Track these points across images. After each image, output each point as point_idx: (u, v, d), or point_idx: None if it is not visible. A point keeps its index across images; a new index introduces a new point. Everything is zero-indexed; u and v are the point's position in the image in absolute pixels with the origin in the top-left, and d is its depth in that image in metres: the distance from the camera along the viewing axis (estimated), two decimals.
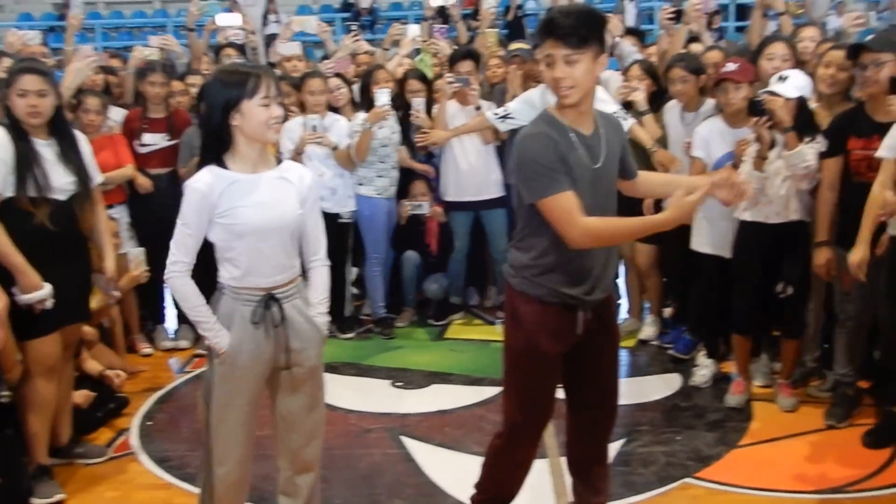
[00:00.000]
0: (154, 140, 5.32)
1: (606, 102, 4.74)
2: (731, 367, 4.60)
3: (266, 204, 2.75)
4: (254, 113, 2.69)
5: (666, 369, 4.94)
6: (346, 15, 16.74)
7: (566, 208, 2.62)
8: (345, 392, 4.71)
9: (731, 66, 4.29)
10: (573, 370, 2.96)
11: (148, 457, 4.03)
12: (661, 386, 4.69)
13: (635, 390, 4.60)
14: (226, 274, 2.81)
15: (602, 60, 2.66)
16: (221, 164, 2.75)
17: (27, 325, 3.55)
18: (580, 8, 2.68)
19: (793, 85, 4.02)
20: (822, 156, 4.00)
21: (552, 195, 2.63)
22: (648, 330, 5.42)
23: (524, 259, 2.82)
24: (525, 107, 4.83)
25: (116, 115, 5.38)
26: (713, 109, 4.61)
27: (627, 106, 4.99)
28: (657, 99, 5.08)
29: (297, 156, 5.20)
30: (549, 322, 2.82)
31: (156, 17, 16.58)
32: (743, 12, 16.64)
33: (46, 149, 3.59)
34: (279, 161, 2.95)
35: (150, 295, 5.47)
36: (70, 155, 3.65)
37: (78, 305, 3.80)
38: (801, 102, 4.04)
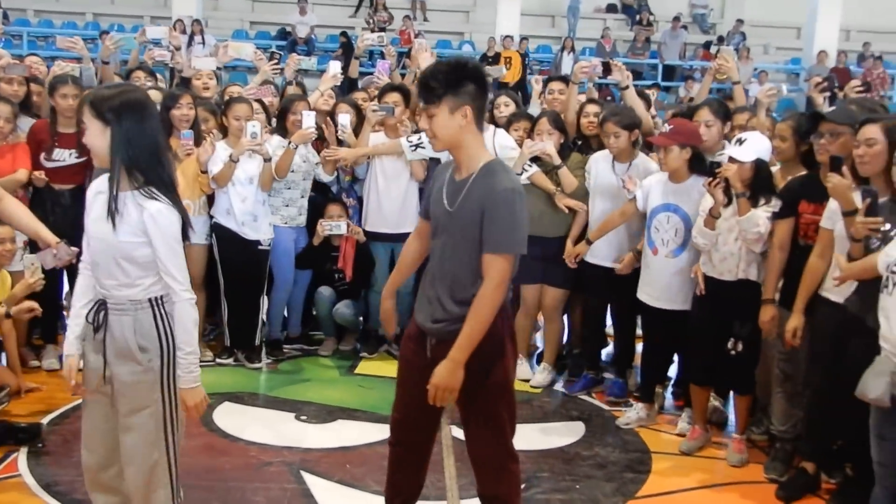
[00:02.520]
0: (62, 156, 5.17)
1: (509, 149, 5.16)
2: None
3: (94, 219, 2.81)
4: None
5: (570, 417, 4.99)
6: (282, 43, 16.75)
7: (416, 227, 3.29)
8: (247, 423, 4.63)
9: (665, 128, 4.45)
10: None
11: (35, 481, 3.87)
12: (565, 433, 4.73)
13: (537, 437, 4.64)
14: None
15: (464, 112, 2.85)
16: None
17: None
18: (440, 66, 2.93)
19: (750, 148, 4.16)
20: (775, 216, 4.12)
21: (421, 215, 3.24)
22: (540, 377, 5.43)
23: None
24: None
25: (25, 124, 5.25)
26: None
27: (537, 159, 5.18)
28: (565, 149, 5.27)
29: (231, 165, 5.19)
30: None
31: (87, 30, 16.27)
32: (669, 73, 17.27)
33: None
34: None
35: (44, 309, 5.27)
36: None
37: None
38: (759, 164, 4.17)
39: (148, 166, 2.76)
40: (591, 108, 5.43)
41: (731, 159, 4.16)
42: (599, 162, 5.11)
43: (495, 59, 15.60)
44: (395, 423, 3.27)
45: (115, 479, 2.99)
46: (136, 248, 2.75)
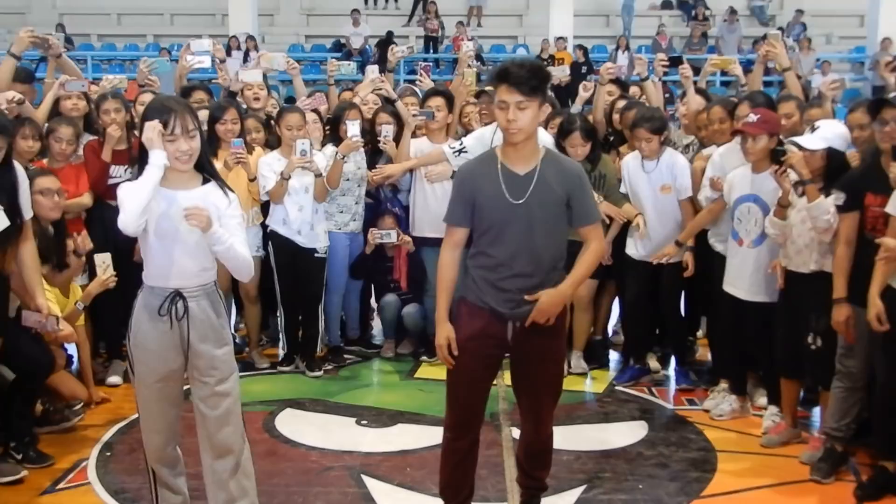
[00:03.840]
0: (118, 172, 5.20)
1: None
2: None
3: (176, 217, 3.05)
4: (166, 144, 3.04)
5: (632, 417, 4.92)
6: (337, 55, 16.92)
7: (448, 236, 3.32)
8: (308, 429, 4.67)
9: (751, 118, 4.41)
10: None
11: (104, 488, 3.96)
12: (627, 433, 4.66)
13: (599, 437, 4.59)
14: (145, 272, 3.21)
15: (544, 110, 3.21)
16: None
17: None
18: (532, 62, 3.21)
19: (820, 136, 4.08)
20: (839, 210, 3.99)
21: (449, 223, 3.30)
22: (576, 363, 5.57)
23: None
24: (478, 144, 5.10)
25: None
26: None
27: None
28: (595, 156, 5.37)
29: (284, 182, 5.23)
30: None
31: (148, 51, 16.66)
32: None
33: None
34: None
35: (109, 326, 5.41)
36: (4, 192, 3.69)
37: None
38: (832, 153, 4.07)
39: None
40: (622, 104, 5.71)
41: (798, 146, 4.07)
42: (630, 164, 5.28)
43: (550, 61, 15.52)
44: (460, 423, 3.44)
45: (174, 451, 3.36)
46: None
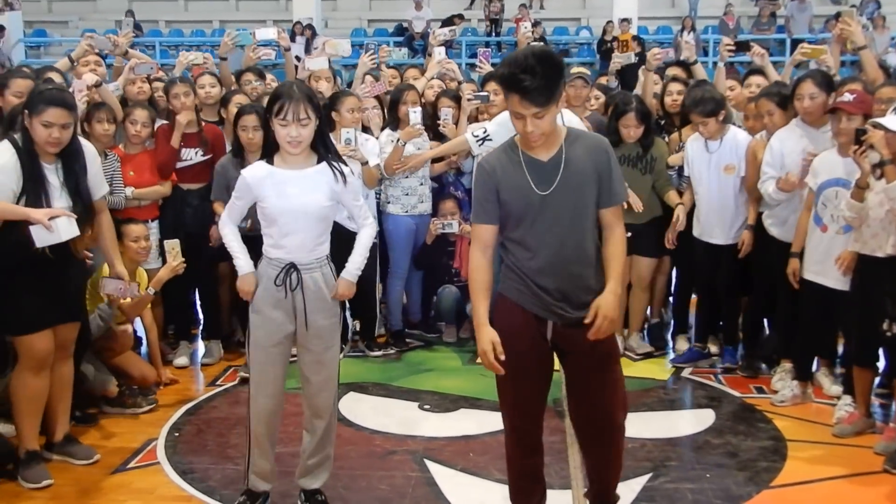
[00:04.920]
0: (189, 155, 5.31)
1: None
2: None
3: (292, 195, 3.32)
4: (276, 128, 3.32)
5: (699, 404, 4.84)
6: (399, 39, 16.95)
7: (476, 237, 3.07)
8: (371, 413, 4.70)
9: (847, 97, 4.33)
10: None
11: (172, 468, 4.04)
12: (693, 421, 4.59)
13: (665, 425, 4.52)
14: (265, 243, 3.44)
15: (563, 98, 3.01)
16: (270, 160, 3.39)
17: (20, 321, 3.78)
18: (544, 66, 2.76)
19: None
20: None
21: (474, 223, 3.09)
22: (635, 344, 5.58)
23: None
24: (502, 129, 4.90)
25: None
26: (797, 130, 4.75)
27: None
28: (648, 139, 5.37)
29: None
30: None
31: (214, 37, 16.89)
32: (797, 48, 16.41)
33: (52, 174, 3.75)
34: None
35: (177, 309, 5.56)
36: (73, 177, 3.80)
37: (69, 307, 3.97)
38: None
39: None
40: (674, 87, 5.67)
41: (880, 126, 3.93)
42: (693, 145, 5.22)
43: (612, 43, 15.27)
44: (516, 430, 3.23)
45: (278, 418, 3.59)
46: (329, 212, 3.43)
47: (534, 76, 2.73)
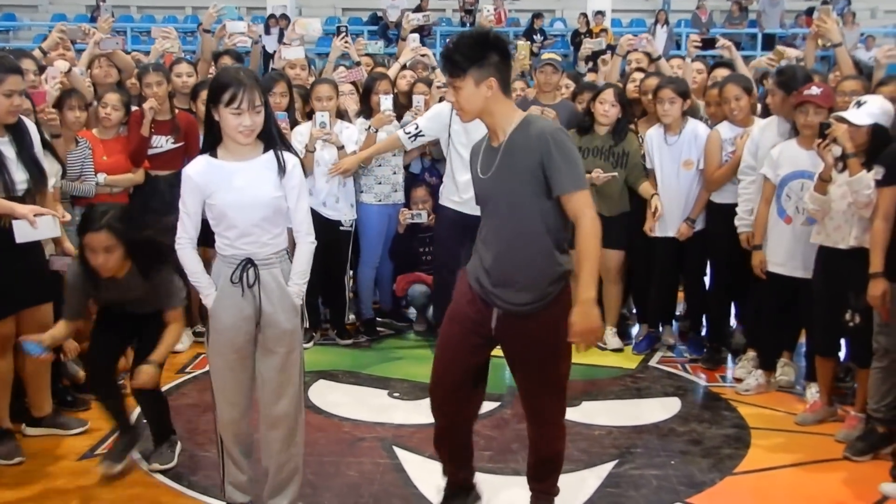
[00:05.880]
0: (160, 143, 5.27)
1: None
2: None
3: (241, 188, 3.10)
4: (226, 118, 3.05)
5: (665, 393, 4.90)
6: (373, 28, 16.88)
7: None
8: (341, 400, 4.71)
9: (814, 90, 4.38)
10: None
11: (140, 454, 4.01)
12: (659, 409, 4.64)
13: (632, 412, 4.57)
14: (217, 242, 3.21)
15: (489, 83, 2.91)
16: (214, 153, 3.15)
17: None
18: (463, 38, 2.95)
19: (866, 112, 4.01)
20: (878, 184, 3.92)
21: None
22: (613, 341, 5.56)
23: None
24: (432, 123, 5.14)
25: None
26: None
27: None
28: (622, 126, 5.36)
29: (309, 155, 5.22)
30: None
31: (186, 23, 16.72)
32: (770, 42, 16.64)
33: (6, 146, 3.76)
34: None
35: None
36: (25, 152, 3.82)
37: (32, 291, 3.96)
38: (876, 129, 4.01)
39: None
40: (638, 75, 5.77)
41: (843, 120, 4.01)
42: (653, 137, 5.25)
43: (588, 35, 15.33)
44: (433, 394, 3.36)
45: (247, 427, 3.38)
46: (282, 202, 3.15)
47: (455, 48, 2.92)
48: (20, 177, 3.77)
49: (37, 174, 3.85)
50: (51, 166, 4.12)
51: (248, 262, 3.16)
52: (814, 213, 4.27)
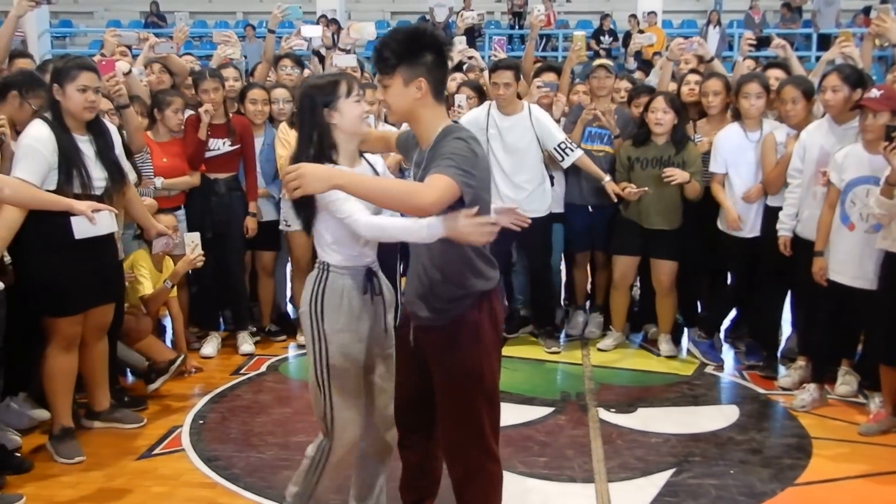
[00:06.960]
0: (217, 146, 5.32)
1: (553, 130, 5.31)
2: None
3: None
4: (350, 109, 2.93)
5: (723, 400, 4.81)
6: None
7: None
8: None
9: (874, 93, 4.28)
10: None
11: (197, 455, 4.07)
12: (717, 417, 4.56)
13: (689, 420, 4.50)
14: (335, 256, 2.98)
15: (419, 84, 2.69)
16: (332, 161, 2.91)
17: (56, 305, 3.87)
18: (397, 33, 2.76)
19: None
20: None
21: None
22: (666, 347, 5.47)
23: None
24: (471, 127, 4.97)
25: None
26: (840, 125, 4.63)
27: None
28: (679, 132, 5.27)
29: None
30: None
31: (237, 28, 16.89)
32: (825, 43, 16.34)
33: (86, 145, 3.85)
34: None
35: (202, 301, 5.59)
36: (105, 151, 3.92)
37: (103, 290, 4.05)
38: None
39: None
40: (693, 77, 5.58)
41: None
42: (730, 135, 5.14)
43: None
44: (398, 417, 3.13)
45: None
46: None
47: (386, 43, 2.74)
48: (98, 174, 3.85)
49: (116, 174, 3.96)
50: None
51: (369, 271, 3.04)
52: (880, 218, 4.15)
